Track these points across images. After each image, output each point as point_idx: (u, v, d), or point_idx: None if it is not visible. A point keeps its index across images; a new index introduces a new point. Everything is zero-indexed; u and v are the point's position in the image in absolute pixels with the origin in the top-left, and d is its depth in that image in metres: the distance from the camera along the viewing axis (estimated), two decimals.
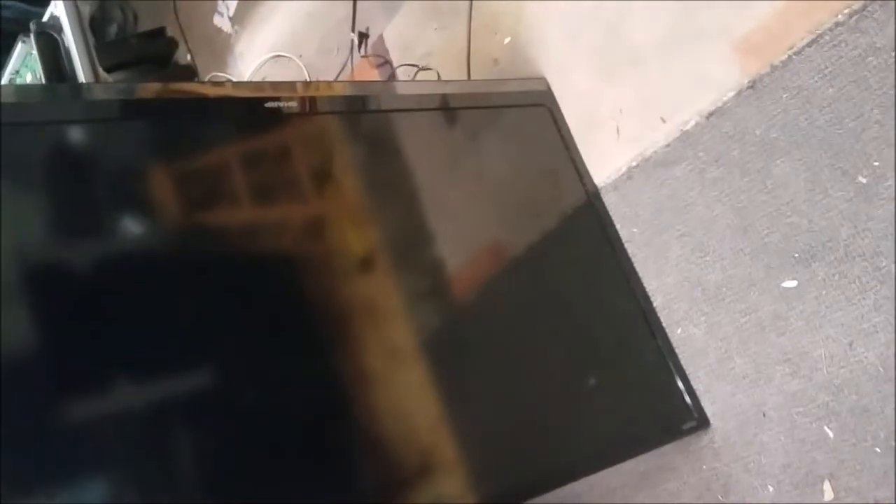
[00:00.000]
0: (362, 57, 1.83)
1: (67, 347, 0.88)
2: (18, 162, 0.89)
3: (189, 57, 2.42)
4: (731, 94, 1.12)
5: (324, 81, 1.19)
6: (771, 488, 1.12)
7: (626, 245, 1.30)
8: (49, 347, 0.87)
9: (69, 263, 0.92)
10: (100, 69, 1.80)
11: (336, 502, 0.97)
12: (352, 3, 1.81)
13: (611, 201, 1.32)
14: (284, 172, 1.11)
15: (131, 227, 0.98)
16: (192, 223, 1.01)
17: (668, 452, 1.26)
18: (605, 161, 1.33)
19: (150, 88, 1.05)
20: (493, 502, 1.12)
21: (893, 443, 0.99)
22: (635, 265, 1.29)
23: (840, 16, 0.99)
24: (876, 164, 0.97)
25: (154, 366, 0.91)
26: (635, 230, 1.28)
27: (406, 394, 1.06)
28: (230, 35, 2.40)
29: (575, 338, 1.24)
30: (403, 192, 1.21)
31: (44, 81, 1.72)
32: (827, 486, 1.06)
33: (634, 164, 1.27)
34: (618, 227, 1.31)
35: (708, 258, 1.18)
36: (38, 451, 0.82)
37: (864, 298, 1.01)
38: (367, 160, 1.20)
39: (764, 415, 1.12)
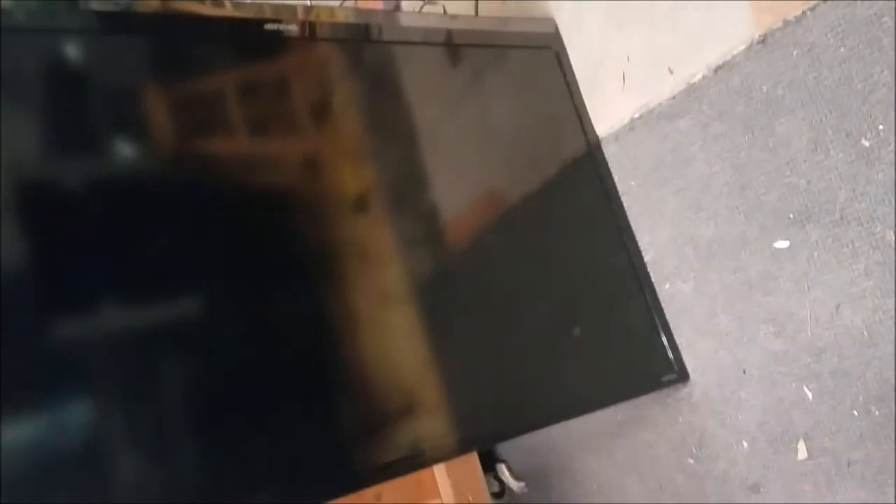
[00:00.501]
0: None
1: (55, 265, 0.88)
2: (10, 70, 0.88)
3: None
4: (742, 48, 1.11)
5: (325, 7, 1.16)
6: (745, 444, 1.14)
7: (622, 198, 1.30)
8: (37, 265, 0.87)
9: (59, 179, 0.92)
10: None
11: (319, 435, 0.99)
12: None
13: (611, 152, 1.32)
14: (281, 101, 1.10)
15: (123, 147, 0.98)
16: (185, 148, 1.00)
17: (646, 404, 1.28)
18: (608, 110, 1.32)
19: (148, 4, 1.03)
20: (472, 442, 1.16)
21: (872, 406, 1.01)
22: (630, 219, 1.30)
23: None
24: (881, 127, 0.97)
25: (142, 290, 0.92)
26: (633, 183, 1.28)
27: (392, 335, 1.08)
28: None
29: (564, 288, 1.25)
30: (402, 130, 1.20)
31: None
32: (802, 445, 1.09)
33: (638, 115, 1.26)
34: (616, 178, 1.31)
35: (703, 214, 1.18)
36: (28, 367, 0.83)
37: (855, 263, 1.01)
38: (367, 93, 1.18)
39: (744, 372, 1.14)
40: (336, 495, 1.07)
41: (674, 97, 1.21)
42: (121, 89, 0.98)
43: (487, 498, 1.58)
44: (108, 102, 0.97)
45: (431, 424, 1.06)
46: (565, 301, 1.24)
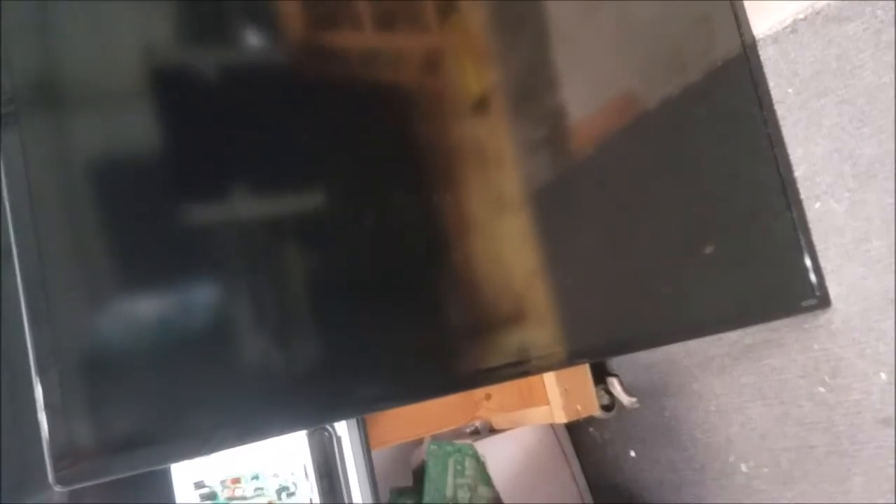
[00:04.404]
0: None
1: (187, 149, 0.98)
2: None
3: None
4: None
5: None
6: (884, 376, 1.18)
7: (776, 106, 1.30)
8: (170, 148, 0.97)
9: (190, 66, 1.01)
10: None
11: (427, 334, 1.07)
12: None
13: (768, 55, 1.31)
14: None
15: (254, 36, 1.05)
16: (313, 40, 1.07)
17: (779, 328, 1.32)
18: (768, 9, 1.29)
19: None
20: (582, 354, 1.21)
21: None
22: (783, 130, 1.29)
23: None
24: None
25: (265, 179, 1.02)
26: (790, 91, 1.28)
27: (507, 241, 1.13)
28: None
29: (700, 201, 1.27)
30: (533, 26, 1.22)
31: None
32: None
33: (802, 16, 1.24)
34: (771, 84, 1.30)
35: (866, 130, 1.17)
36: (155, 247, 0.94)
37: None
38: None
39: (893, 302, 1.16)
40: (440, 394, 1.18)
41: None
42: None
43: (597, 410, 1.67)
44: None
45: (541, 333, 1.12)
46: (700, 215, 1.26)
